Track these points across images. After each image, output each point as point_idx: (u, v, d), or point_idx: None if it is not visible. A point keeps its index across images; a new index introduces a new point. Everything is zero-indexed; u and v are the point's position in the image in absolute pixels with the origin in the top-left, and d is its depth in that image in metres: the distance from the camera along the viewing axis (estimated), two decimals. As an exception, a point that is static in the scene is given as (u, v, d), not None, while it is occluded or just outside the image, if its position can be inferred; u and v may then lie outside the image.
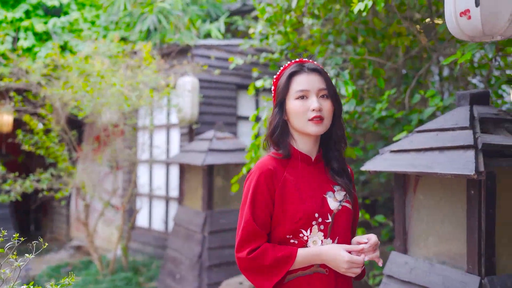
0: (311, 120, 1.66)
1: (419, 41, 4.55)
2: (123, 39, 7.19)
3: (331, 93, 1.71)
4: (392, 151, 2.71)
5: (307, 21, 3.99)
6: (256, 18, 7.60)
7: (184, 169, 5.65)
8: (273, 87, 1.82)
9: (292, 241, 1.65)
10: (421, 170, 2.32)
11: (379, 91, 4.75)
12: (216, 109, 6.36)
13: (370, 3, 3.08)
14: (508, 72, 4.60)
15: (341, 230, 1.69)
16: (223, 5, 7.66)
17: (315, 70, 1.72)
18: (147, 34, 6.77)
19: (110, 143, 6.01)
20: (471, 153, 2.15)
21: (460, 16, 1.61)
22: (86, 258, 7.10)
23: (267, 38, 5.15)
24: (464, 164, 2.11)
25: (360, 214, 4.22)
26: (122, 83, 4.62)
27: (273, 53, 5.94)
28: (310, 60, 1.78)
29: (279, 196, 1.66)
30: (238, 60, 5.26)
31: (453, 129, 2.41)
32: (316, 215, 1.65)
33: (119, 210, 7.05)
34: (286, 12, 4.29)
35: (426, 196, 2.55)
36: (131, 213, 7.02)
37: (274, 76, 1.79)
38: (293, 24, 4.16)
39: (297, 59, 1.79)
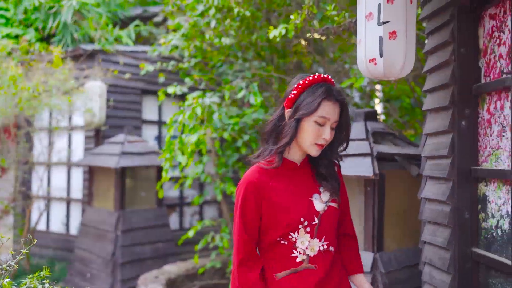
0: (317, 144, 1.74)
1: (313, 59, 5.30)
2: (16, 37, 7.01)
3: (339, 125, 1.79)
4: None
5: (225, 40, 4.47)
6: (157, 25, 7.89)
7: (93, 171, 5.79)
8: (294, 92, 1.75)
9: (282, 242, 1.74)
10: (331, 172, 2.95)
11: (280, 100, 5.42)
12: (122, 113, 6.56)
13: (283, 31, 3.66)
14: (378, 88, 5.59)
15: (327, 229, 1.78)
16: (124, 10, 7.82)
17: (339, 101, 1.76)
18: (61, 31, 6.69)
19: (3, 145, 5.90)
20: (368, 160, 2.83)
21: (369, 62, 2.22)
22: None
23: (176, 48, 5.53)
24: (364, 167, 2.78)
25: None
26: (38, 88, 4.68)
27: (179, 61, 6.33)
28: (332, 80, 1.81)
29: (267, 205, 1.74)
30: (149, 67, 5.56)
31: (353, 140, 3.08)
32: (302, 219, 1.72)
33: (8, 213, 6.85)
34: (199, 29, 4.74)
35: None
36: (24, 215, 6.86)
37: (299, 82, 1.76)
38: (212, 41, 4.63)
39: (324, 75, 1.79)
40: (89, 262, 5.48)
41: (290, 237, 1.73)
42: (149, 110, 7.06)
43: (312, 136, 1.73)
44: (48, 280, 2.10)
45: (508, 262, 1.92)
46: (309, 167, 1.86)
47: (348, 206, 1.98)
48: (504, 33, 2.05)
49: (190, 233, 4.88)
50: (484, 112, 2.20)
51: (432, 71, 2.51)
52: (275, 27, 4.57)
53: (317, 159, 1.84)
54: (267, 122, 1.86)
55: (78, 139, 6.75)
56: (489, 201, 2.14)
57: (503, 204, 2.03)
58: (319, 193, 1.80)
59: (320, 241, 1.76)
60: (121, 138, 5.67)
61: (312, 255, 1.74)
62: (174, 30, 5.82)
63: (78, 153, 6.70)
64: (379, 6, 2.08)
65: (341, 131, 1.81)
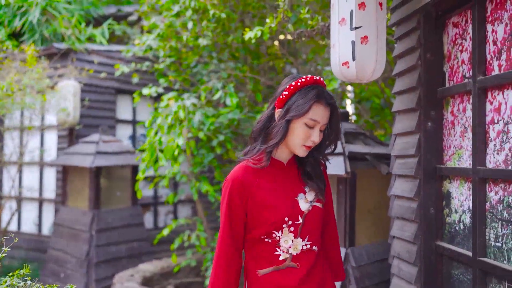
0: (305, 146, 1.75)
1: (286, 61, 5.41)
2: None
3: (329, 127, 1.81)
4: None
5: (202, 41, 4.54)
6: (131, 24, 7.89)
7: (68, 170, 5.77)
8: (285, 93, 1.75)
9: (266, 240, 1.76)
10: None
11: (254, 101, 5.52)
12: (96, 112, 6.54)
13: (259, 33, 3.76)
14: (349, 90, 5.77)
15: (311, 229, 1.79)
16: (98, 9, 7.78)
17: (330, 104, 1.76)
18: (30, 30, 6.61)
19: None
20: (341, 159, 2.95)
21: (342, 65, 2.33)
22: None
23: (151, 48, 5.58)
24: (337, 166, 2.90)
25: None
26: (12, 87, 4.66)
27: (154, 61, 6.36)
28: (324, 82, 1.81)
29: (252, 203, 1.76)
30: (124, 68, 5.59)
31: (326, 140, 3.20)
32: (286, 218, 1.74)
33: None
34: (175, 29, 4.79)
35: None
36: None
37: (291, 83, 1.75)
38: (188, 42, 4.69)
39: (316, 78, 1.78)
40: (63, 262, 5.46)
41: (274, 235, 1.74)
42: (124, 109, 7.06)
43: (301, 138, 1.73)
44: (30, 277, 2.13)
45: (469, 253, 2.06)
46: (295, 166, 1.86)
47: (332, 207, 1.98)
48: (465, 40, 2.19)
49: (165, 232, 4.93)
50: (448, 114, 2.35)
51: (400, 75, 2.64)
52: (250, 28, 4.67)
53: (304, 159, 1.85)
54: (256, 120, 1.83)
55: (51, 138, 6.69)
56: (453, 198, 2.28)
57: (465, 200, 2.17)
58: (304, 192, 1.81)
59: (303, 240, 1.77)
60: (95, 137, 5.67)
61: (295, 254, 1.76)
62: (149, 31, 5.85)
63: (51, 153, 6.65)
64: (351, 12, 2.20)
65: (330, 134, 1.82)
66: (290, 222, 1.74)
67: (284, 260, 1.76)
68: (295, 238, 1.75)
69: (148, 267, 5.26)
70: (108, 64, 6.65)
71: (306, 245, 1.78)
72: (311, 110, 1.71)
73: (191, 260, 5.26)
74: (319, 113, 1.72)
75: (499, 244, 1.90)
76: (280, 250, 1.75)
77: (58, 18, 6.41)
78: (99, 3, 7.87)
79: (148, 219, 7.16)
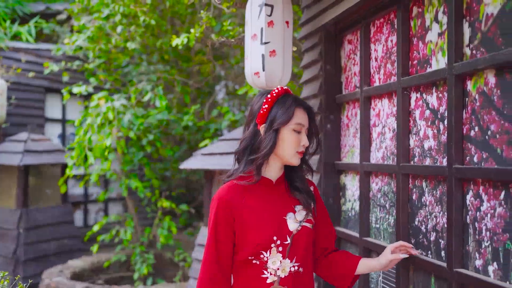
0: (298, 152, 1.76)
1: (214, 66, 5.71)
2: None
3: (309, 131, 1.84)
4: (203, 154, 3.73)
5: (131, 44, 4.73)
6: (61, 23, 7.85)
7: (-6, 169, 5.74)
8: (265, 107, 1.76)
9: (254, 261, 1.71)
10: (224, 168, 3.37)
11: (182, 102, 5.77)
12: (24, 111, 6.51)
13: (185, 40, 4.02)
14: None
15: (300, 250, 1.75)
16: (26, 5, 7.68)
17: (308, 108, 1.81)
18: None
19: None
20: (257, 156, 3.29)
21: (254, 75, 2.66)
22: None
23: (81, 48, 5.67)
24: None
25: (167, 204, 5.16)
26: None
27: (84, 60, 6.44)
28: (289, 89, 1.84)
29: (239, 223, 1.71)
30: (54, 66, 5.64)
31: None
32: (275, 238, 1.70)
33: None
34: (104, 31, 4.94)
35: (227, 185, 3.63)
36: None
37: (267, 96, 1.78)
38: (118, 45, 4.87)
39: (286, 87, 1.82)
40: (-12, 261, 5.45)
41: (261, 256, 1.70)
42: (53, 108, 7.06)
43: (293, 145, 1.75)
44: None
45: (357, 235, 2.46)
46: (284, 185, 1.85)
47: (330, 222, 1.99)
48: (357, 55, 2.59)
49: (95, 228, 5.08)
50: (344, 118, 2.74)
51: (306, 83, 3.02)
52: (179, 31, 4.92)
53: (292, 174, 1.86)
54: (238, 142, 1.85)
55: (-25, 137, 6.57)
56: (347, 189, 2.68)
57: (356, 191, 2.58)
58: (294, 212, 1.79)
59: (291, 261, 1.73)
60: (24, 136, 5.68)
61: (283, 276, 1.71)
62: (79, 31, 5.94)
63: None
64: (261, 29, 2.54)
65: (311, 138, 1.85)
66: (278, 242, 1.72)
67: (272, 283, 1.71)
68: (283, 259, 1.72)
69: (78, 263, 5.36)
70: (37, 63, 6.63)
71: (294, 266, 1.74)
72: (295, 115, 1.75)
73: (121, 255, 5.43)
74: (302, 117, 1.77)
75: (378, 226, 2.31)
76: (267, 272, 1.71)
77: None
78: (25, 0, 7.76)
79: (78, 217, 7.20)
